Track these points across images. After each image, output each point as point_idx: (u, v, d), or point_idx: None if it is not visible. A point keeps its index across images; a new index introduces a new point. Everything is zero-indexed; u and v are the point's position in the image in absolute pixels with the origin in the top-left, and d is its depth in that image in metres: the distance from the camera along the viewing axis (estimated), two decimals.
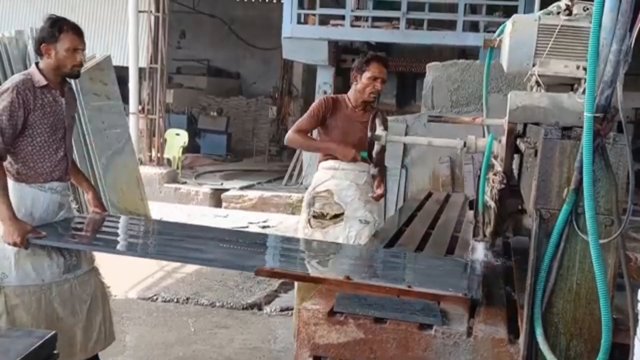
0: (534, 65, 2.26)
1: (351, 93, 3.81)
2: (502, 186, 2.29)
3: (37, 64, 2.93)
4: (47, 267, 2.85)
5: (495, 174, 2.34)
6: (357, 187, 3.69)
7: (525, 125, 2.18)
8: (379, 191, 3.71)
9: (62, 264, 2.89)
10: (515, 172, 2.31)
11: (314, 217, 3.69)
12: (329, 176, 3.72)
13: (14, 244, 2.72)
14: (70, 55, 2.85)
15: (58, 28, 2.83)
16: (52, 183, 2.93)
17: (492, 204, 2.37)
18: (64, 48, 2.83)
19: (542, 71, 2.25)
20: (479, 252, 2.54)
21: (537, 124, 1.99)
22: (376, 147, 2.78)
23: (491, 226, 2.43)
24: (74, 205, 3.22)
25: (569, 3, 2.22)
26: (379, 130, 2.73)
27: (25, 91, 2.80)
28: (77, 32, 2.88)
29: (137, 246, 3.35)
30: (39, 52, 2.90)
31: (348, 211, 3.66)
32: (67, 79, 3.02)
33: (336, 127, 3.74)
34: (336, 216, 3.68)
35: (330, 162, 3.75)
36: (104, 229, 3.26)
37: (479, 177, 2.42)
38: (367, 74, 3.69)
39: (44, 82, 2.86)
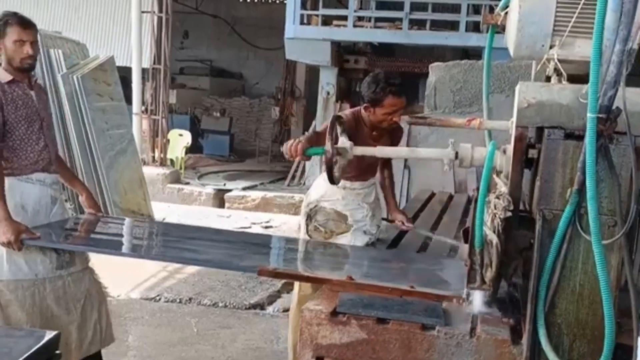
0: (551, 47, 1.74)
1: (365, 116, 3.18)
2: (508, 214, 1.75)
3: None
4: (39, 261, 2.85)
5: (498, 197, 1.79)
6: (368, 207, 3.31)
7: (540, 129, 1.72)
8: (409, 225, 3.32)
9: (55, 260, 2.90)
10: (526, 193, 1.93)
11: (316, 229, 3.31)
12: (339, 196, 3.26)
13: (8, 244, 2.73)
14: (17, 48, 2.87)
15: (4, 22, 2.86)
16: (37, 174, 2.94)
17: (494, 238, 1.77)
18: (10, 41, 2.86)
19: (564, 55, 1.72)
20: (476, 305, 1.95)
21: (556, 127, 1.62)
22: (340, 163, 2.34)
23: (493, 269, 1.81)
24: (69, 205, 3.21)
25: None
26: (342, 141, 2.30)
27: None
28: (22, 24, 2.89)
29: (140, 248, 3.35)
30: None
31: (355, 226, 3.29)
32: (33, 74, 3.03)
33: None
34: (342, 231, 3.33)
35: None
36: (106, 229, 3.25)
37: (475, 200, 1.79)
38: (380, 110, 3.09)
39: (9, 77, 2.90)
